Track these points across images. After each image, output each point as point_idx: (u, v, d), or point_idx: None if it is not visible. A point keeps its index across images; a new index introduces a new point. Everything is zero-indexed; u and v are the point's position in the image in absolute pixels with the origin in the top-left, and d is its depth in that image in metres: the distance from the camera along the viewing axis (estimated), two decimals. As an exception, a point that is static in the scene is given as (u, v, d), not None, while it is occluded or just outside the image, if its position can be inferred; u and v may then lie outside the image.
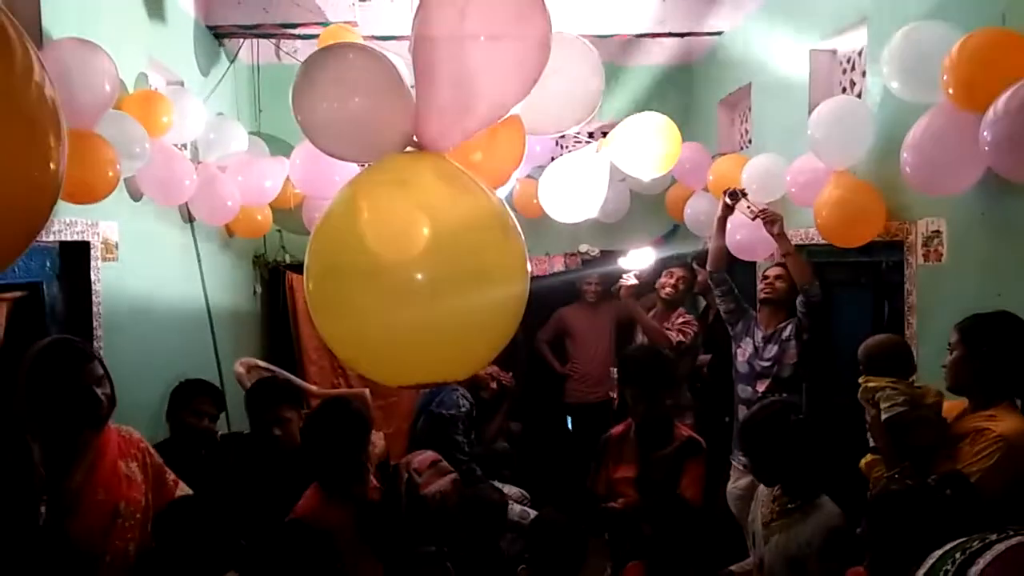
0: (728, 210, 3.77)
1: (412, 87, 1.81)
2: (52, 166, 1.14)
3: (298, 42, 5.03)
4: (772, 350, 3.56)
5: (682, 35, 5.12)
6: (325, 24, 4.68)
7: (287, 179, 4.37)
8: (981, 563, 0.76)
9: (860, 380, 2.44)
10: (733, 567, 2.52)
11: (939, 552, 0.81)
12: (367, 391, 4.12)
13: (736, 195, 3.73)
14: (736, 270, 4.16)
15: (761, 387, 3.52)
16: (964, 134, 2.52)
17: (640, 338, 4.43)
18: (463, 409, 4.00)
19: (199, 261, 4.26)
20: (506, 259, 1.80)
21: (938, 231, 2.93)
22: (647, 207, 5.28)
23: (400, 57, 2.00)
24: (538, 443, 5.26)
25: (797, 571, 2.28)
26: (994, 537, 0.79)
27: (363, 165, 2.19)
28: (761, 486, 2.54)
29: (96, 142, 2.85)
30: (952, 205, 2.83)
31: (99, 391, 2.23)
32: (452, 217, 1.68)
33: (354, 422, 2.61)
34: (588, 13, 4.70)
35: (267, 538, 2.28)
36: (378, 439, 3.69)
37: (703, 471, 3.00)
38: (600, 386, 5.19)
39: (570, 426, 5.55)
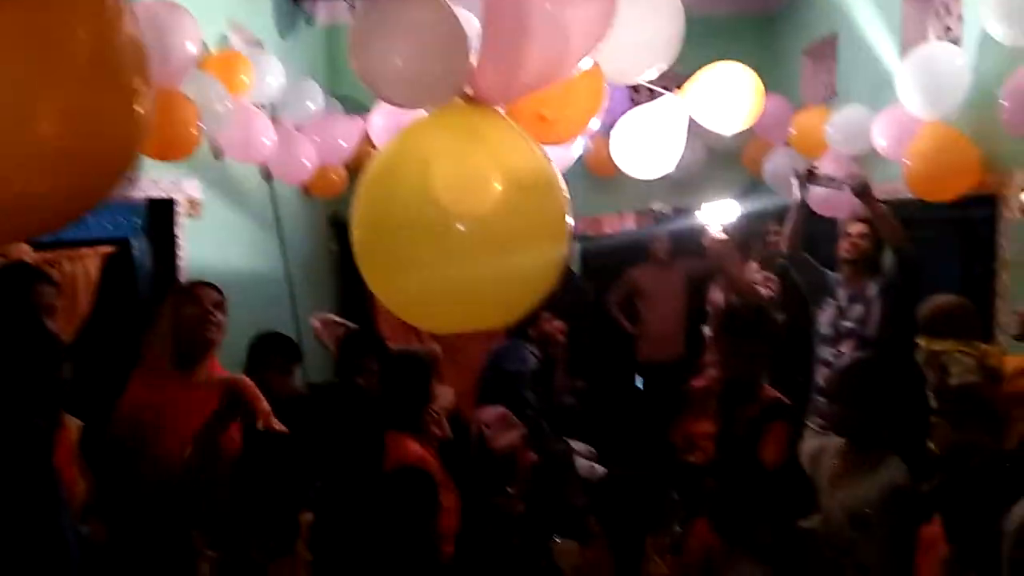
0: (805, 190, 3.62)
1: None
2: (139, 109, 1.17)
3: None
4: (857, 310, 3.43)
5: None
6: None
7: (364, 139, 4.42)
8: None
9: (921, 342, 2.35)
10: (802, 522, 2.47)
11: None
12: (437, 347, 4.19)
13: (806, 177, 3.55)
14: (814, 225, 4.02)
15: (845, 348, 3.40)
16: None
17: (716, 296, 4.34)
18: (530, 364, 4.02)
19: (277, 219, 4.37)
20: (553, 216, 1.78)
21: (1037, 184, 2.77)
22: (723, 163, 5.13)
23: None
24: (606, 401, 5.25)
25: (860, 526, 2.23)
26: None
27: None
28: (830, 442, 2.48)
29: (180, 100, 2.93)
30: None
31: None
32: (508, 172, 1.67)
33: (418, 366, 2.70)
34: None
35: (380, 483, 2.38)
36: (447, 393, 3.76)
37: (786, 435, 2.92)
38: (671, 345, 5.13)
39: (640, 385, 5.52)
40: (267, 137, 3.72)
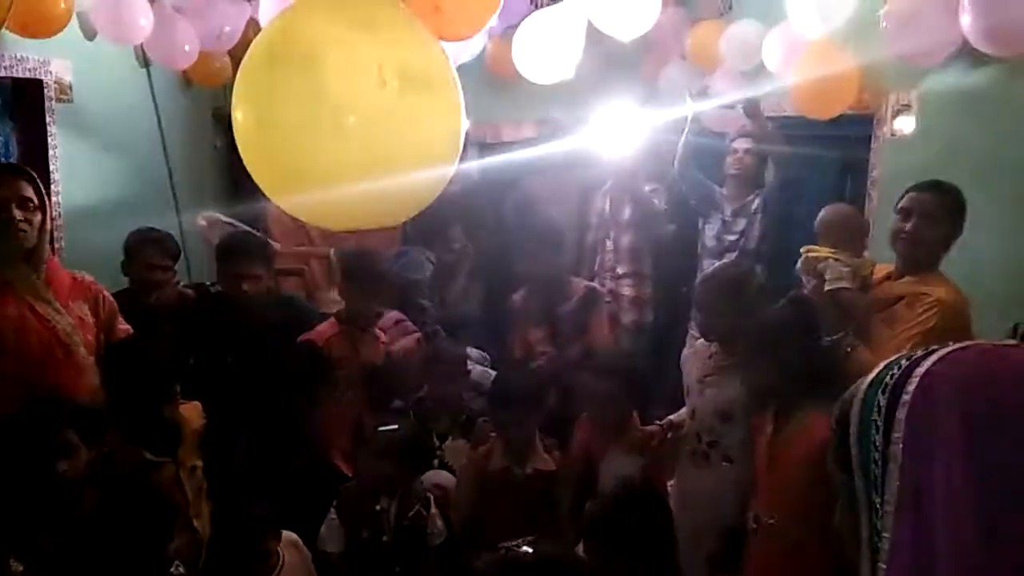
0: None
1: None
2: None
3: None
4: (740, 223, 3.60)
5: None
6: None
7: (252, 26, 4.16)
8: (926, 363, 0.81)
9: (802, 251, 2.49)
10: (672, 416, 2.65)
11: (882, 363, 0.86)
12: (332, 251, 4.11)
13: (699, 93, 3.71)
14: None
15: (728, 260, 3.58)
16: (942, 6, 2.48)
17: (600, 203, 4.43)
18: (425, 272, 4.03)
19: (156, 108, 4.10)
20: (448, 114, 1.76)
21: (908, 104, 2.93)
22: (621, 74, 5.14)
23: None
24: (501, 307, 5.33)
25: (724, 420, 2.43)
26: (936, 347, 0.83)
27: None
28: (699, 343, 2.64)
29: (44, -31, 2.67)
30: (925, 79, 2.82)
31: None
32: (409, 64, 1.62)
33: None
34: None
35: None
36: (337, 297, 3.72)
37: (605, 313, 3.26)
38: (562, 251, 5.22)
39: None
40: (143, 17, 3.44)
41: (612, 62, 5.02)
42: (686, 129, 3.64)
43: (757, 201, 3.61)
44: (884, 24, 2.71)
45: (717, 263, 3.64)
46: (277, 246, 3.96)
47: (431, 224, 4.34)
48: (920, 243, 2.23)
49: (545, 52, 3.40)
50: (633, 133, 4.00)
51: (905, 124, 2.96)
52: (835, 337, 2.24)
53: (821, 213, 2.56)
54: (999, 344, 0.84)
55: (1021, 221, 2.42)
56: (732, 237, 3.64)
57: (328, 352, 2.89)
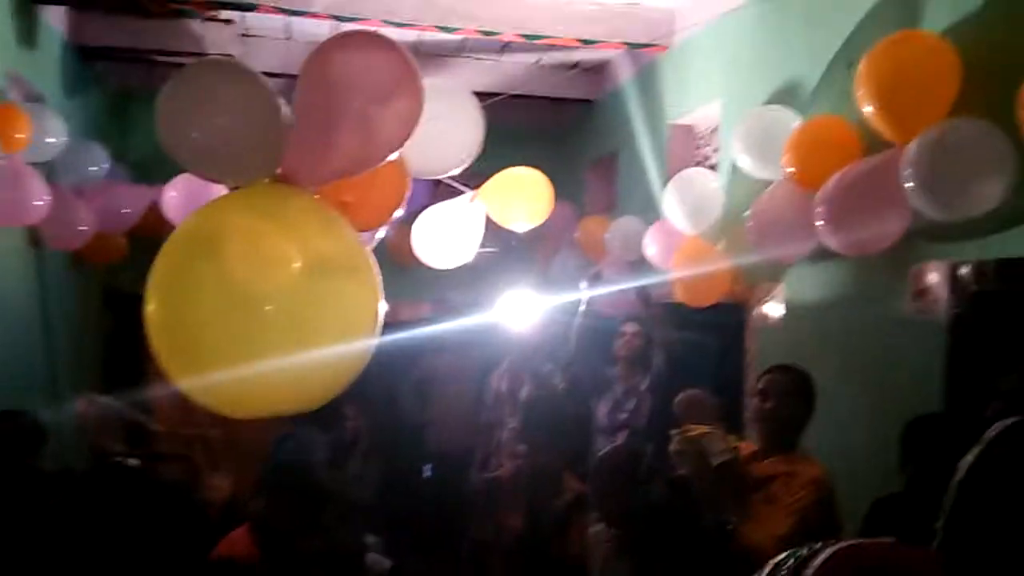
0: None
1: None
2: None
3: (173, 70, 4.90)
4: (631, 403, 3.74)
5: (554, 99, 5.41)
6: (202, 55, 4.59)
7: (151, 207, 4.21)
8: (815, 563, 0.86)
9: (678, 432, 2.57)
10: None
11: (773, 561, 0.92)
12: (216, 431, 3.97)
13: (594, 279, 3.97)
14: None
15: (619, 438, 3.68)
16: (800, 209, 2.82)
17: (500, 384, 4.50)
18: (316, 453, 3.93)
19: (42, 287, 3.99)
20: (362, 301, 1.82)
21: (775, 295, 3.22)
22: (516, 259, 5.43)
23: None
24: (396, 490, 5.19)
25: None
26: (819, 545, 0.90)
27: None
28: (599, 526, 2.65)
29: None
30: (789, 272, 3.13)
31: None
32: (319, 254, 1.70)
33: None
34: (465, 73, 4.92)
35: None
36: (224, 482, 3.56)
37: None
38: (462, 435, 5.21)
39: (429, 474, 5.52)
40: (39, 199, 3.43)
41: (507, 248, 5.33)
42: (580, 312, 3.84)
43: (646, 381, 3.79)
44: (749, 225, 3.03)
45: (609, 440, 3.72)
46: (156, 427, 3.80)
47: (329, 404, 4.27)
48: (780, 421, 2.40)
49: (444, 241, 3.59)
50: (529, 315, 4.17)
51: (774, 312, 3.24)
52: (717, 517, 2.30)
53: (681, 396, 2.72)
54: (877, 543, 0.92)
55: (879, 405, 2.62)
56: (623, 416, 3.77)
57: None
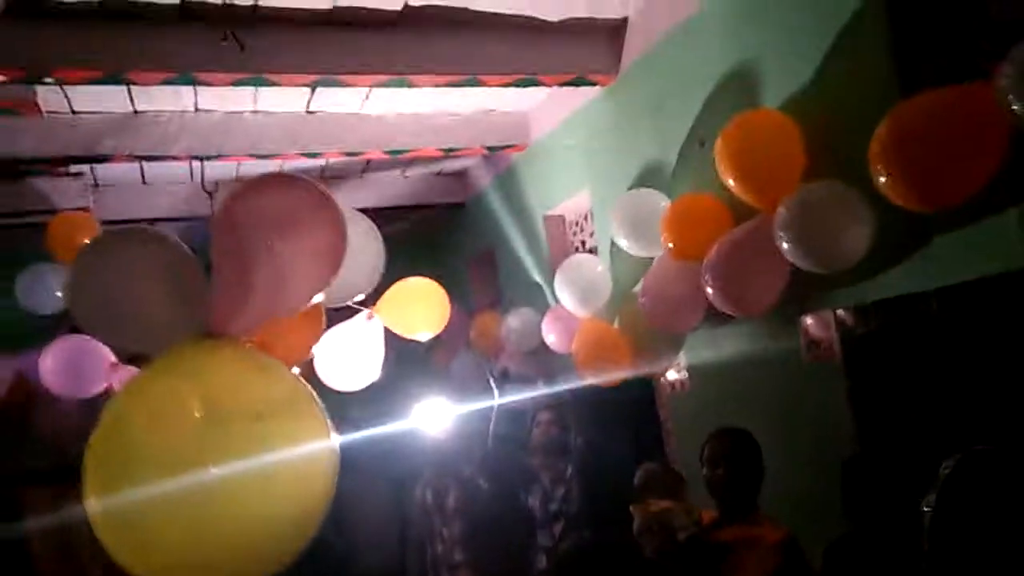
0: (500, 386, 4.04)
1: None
2: None
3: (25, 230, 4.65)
4: (559, 491, 3.75)
5: (424, 206, 5.56)
6: (54, 212, 4.39)
7: (17, 379, 3.90)
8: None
9: (638, 507, 2.61)
10: None
11: None
12: None
13: (501, 376, 4.02)
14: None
15: (556, 528, 3.66)
16: (687, 280, 3.02)
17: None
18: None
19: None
20: (319, 439, 1.79)
21: (679, 364, 3.39)
22: (413, 370, 5.39)
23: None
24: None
25: None
26: None
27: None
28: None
29: None
30: (687, 341, 3.31)
31: None
32: (268, 402, 1.66)
33: None
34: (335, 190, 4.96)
35: None
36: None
37: None
38: (385, 555, 5.00)
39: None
40: None
41: (403, 357, 5.29)
42: (494, 410, 3.86)
43: (570, 468, 3.82)
44: (642, 301, 3.20)
45: (547, 534, 3.71)
46: None
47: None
48: (733, 487, 2.42)
49: (349, 363, 3.53)
50: (441, 422, 4.14)
51: (680, 379, 3.40)
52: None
53: (639, 472, 2.76)
54: None
55: (793, 454, 2.70)
56: (555, 506, 3.76)
57: None
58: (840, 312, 2.58)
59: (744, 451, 2.44)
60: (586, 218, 4.34)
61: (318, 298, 1.86)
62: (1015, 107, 1.88)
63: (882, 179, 2.15)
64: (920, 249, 2.29)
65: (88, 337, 3.71)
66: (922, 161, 2.07)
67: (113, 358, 3.77)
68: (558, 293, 3.82)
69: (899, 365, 2.41)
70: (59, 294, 3.82)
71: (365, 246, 2.45)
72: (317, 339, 2.32)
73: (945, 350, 2.29)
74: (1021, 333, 2.07)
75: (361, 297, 2.64)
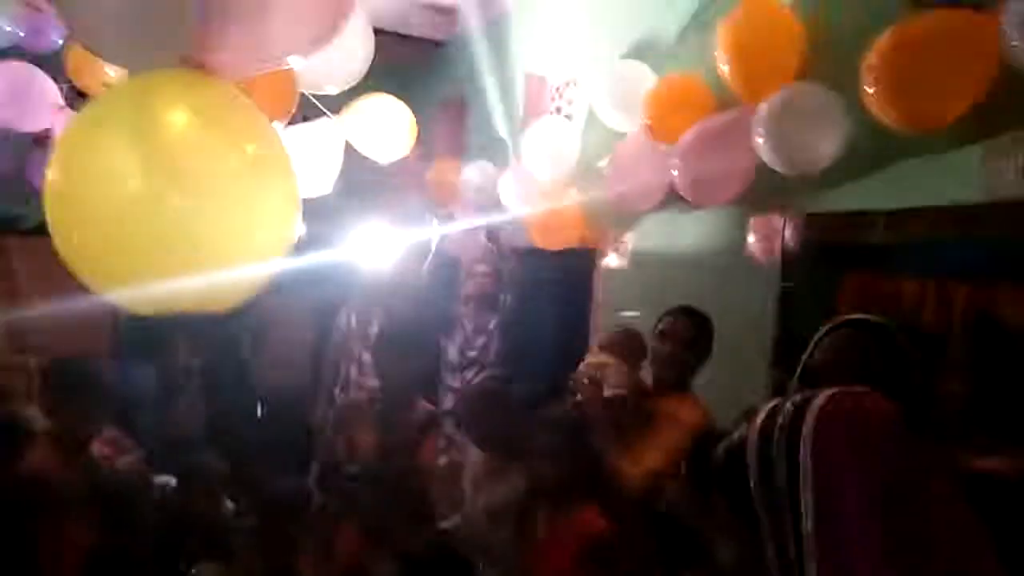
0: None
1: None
2: None
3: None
4: (480, 340, 3.86)
5: (403, 35, 5.32)
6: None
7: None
8: (815, 406, 1.00)
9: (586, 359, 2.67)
10: (444, 524, 2.68)
11: (762, 413, 1.05)
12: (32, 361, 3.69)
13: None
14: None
15: (469, 375, 3.79)
16: (656, 160, 3.03)
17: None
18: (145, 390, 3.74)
19: None
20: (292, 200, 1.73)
21: (624, 242, 3.44)
22: (364, 196, 5.31)
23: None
24: (229, 427, 4.98)
25: (496, 521, 2.52)
26: (810, 393, 1.06)
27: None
28: (473, 452, 2.76)
29: None
30: (639, 221, 3.35)
31: None
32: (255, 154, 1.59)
33: None
34: None
35: None
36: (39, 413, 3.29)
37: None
38: (296, 374, 5.09)
39: (260, 414, 5.34)
40: None
41: (353, 185, 5.20)
42: (431, 251, 3.88)
43: (495, 321, 3.92)
44: (607, 173, 3.21)
45: (459, 377, 3.84)
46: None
47: (150, 335, 4.06)
48: (677, 366, 2.46)
49: (303, 167, 3.45)
50: (379, 252, 4.15)
51: (622, 259, 3.46)
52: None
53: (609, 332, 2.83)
54: (857, 392, 1.07)
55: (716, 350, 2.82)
56: (473, 353, 3.88)
57: (44, 479, 2.52)
58: (788, 217, 2.64)
59: (699, 335, 2.46)
60: (567, 84, 4.26)
61: (299, 62, 1.77)
62: (1014, 43, 1.90)
63: (870, 90, 2.17)
64: (883, 169, 2.34)
65: (35, 68, 3.51)
66: (913, 78, 2.08)
67: (60, 100, 3.57)
68: (524, 153, 3.79)
69: (832, 278, 2.51)
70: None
71: (355, 36, 2.35)
72: (285, 115, 2.24)
73: (880, 271, 2.39)
74: (962, 266, 2.17)
75: (334, 91, 2.55)
